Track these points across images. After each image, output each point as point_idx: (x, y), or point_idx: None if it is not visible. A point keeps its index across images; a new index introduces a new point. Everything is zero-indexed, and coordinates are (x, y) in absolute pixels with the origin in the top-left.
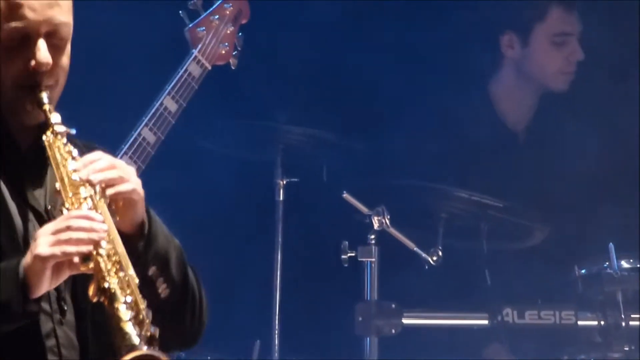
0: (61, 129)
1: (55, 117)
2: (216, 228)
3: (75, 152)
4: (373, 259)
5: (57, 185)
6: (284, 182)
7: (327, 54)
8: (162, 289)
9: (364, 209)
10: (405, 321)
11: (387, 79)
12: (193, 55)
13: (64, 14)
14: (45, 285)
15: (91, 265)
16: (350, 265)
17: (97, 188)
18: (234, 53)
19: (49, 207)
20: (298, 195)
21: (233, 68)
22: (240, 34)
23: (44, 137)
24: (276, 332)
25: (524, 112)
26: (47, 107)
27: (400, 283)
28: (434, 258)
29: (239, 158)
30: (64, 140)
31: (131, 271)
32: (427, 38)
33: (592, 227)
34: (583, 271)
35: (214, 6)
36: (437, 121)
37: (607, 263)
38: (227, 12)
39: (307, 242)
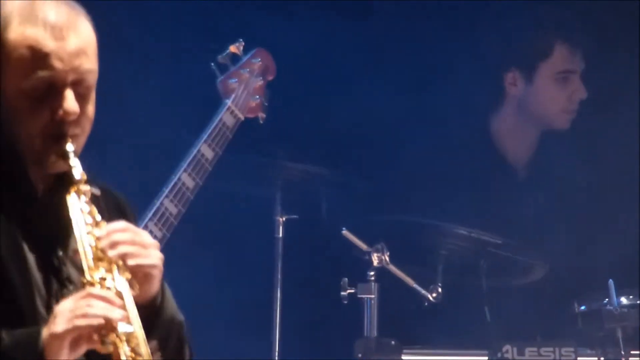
0: (85, 188)
1: (78, 174)
2: (215, 265)
3: (98, 216)
4: (372, 296)
5: (78, 249)
6: (284, 219)
7: (326, 90)
8: (157, 356)
9: (363, 245)
10: (405, 358)
11: (386, 116)
12: (227, 106)
13: (90, 62)
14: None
15: (110, 348)
16: (350, 302)
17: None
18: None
19: (60, 253)
20: (297, 232)
21: (261, 122)
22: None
23: (67, 197)
24: None
25: (524, 149)
26: (72, 161)
27: (399, 320)
28: (434, 295)
29: (238, 194)
30: (87, 195)
31: (148, 357)
32: (428, 75)
33: (592, 264)
34: (583, 308)
35: (243, 60)
36: (436, 157)
37: (607, 299)
38: (256, 67)
39: (306, 279)
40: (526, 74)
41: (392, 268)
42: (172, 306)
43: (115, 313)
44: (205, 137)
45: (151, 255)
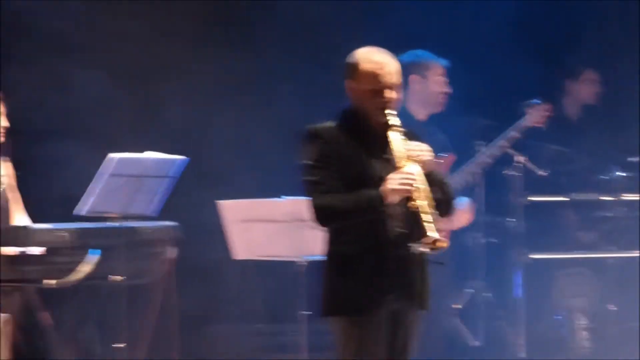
0: (398, 126)
1: (394, 120)
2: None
3: (405, 138)
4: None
5: (395, 156)
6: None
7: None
8: (435, 194)
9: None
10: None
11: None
12: (524, 118)
13: (398, 78)
14: (392, 199)
15: (411, 193)
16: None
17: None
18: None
19: (387, 157)
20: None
21: (542, 127)
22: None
23: (389, 132)
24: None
25: (576, 111)
26: (390, 116)
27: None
28: (541, 172)
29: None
30: (399, 132)
31: (429, 197)
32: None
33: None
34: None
35: (537, 105)
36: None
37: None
38: (541, 110)
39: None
40: (569, 85)
41: (529, 165)
42: (438, 172)
43: (413, 179)
44: (513, 127)
45: (426, 152)
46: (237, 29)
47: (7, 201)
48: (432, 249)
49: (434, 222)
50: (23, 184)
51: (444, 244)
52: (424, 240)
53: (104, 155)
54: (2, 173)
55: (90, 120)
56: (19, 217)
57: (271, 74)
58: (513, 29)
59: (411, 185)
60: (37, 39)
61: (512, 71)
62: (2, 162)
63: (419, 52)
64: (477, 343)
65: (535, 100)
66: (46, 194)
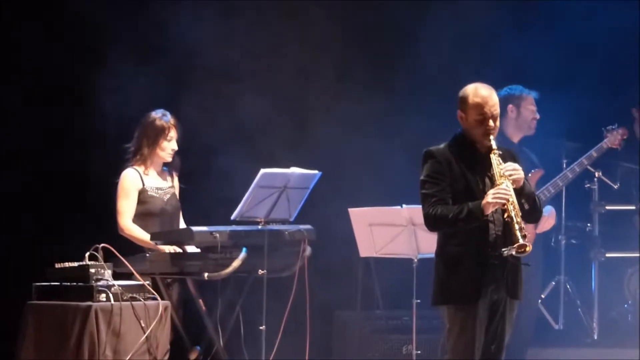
0: (497, 149)
1: (494, 145)
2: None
3: (501, 160)
4: (595, 188)
5: (494, 174)
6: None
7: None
8: (526, 205)
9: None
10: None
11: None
12: (604, 141)
13: (497, 109)
14: (489, 210)
15: (505, 206)
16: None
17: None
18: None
19: (488, 174)
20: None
21: (618, 149)
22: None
23: (491, 155)
24: None
25: None
26: (492, 142)
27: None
28: (615, 185)
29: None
30: (497, 155)
31: (517, 210)
32: None
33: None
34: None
35: (615, 130)
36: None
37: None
38: (619, 133)
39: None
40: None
41: (605, 179)
42: (530, 187)
43: (508, 194)
44: (594, 148)
45: (519, 171)
46: (374, 69)
47: (178, 209)
48: (519, 252)
49: (522, 229)
50: (195, 191)
51: (528, 248)
52: (514, 245)
53: (259, 169)
54: (172, 185)
55: (251, 139)
56: (181, 222)
57: (399, 107)
58: (596, 67)
59: (505, 199)
60: (208, 68)
61: (595, 102)
62: (172, 176)
63: (514, 86)
64: (558, 326)
65: (613, 126)
66: (213, 200)
